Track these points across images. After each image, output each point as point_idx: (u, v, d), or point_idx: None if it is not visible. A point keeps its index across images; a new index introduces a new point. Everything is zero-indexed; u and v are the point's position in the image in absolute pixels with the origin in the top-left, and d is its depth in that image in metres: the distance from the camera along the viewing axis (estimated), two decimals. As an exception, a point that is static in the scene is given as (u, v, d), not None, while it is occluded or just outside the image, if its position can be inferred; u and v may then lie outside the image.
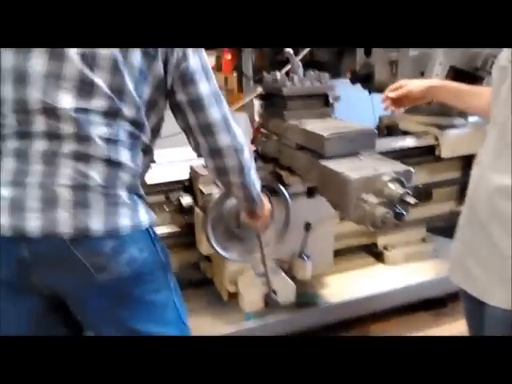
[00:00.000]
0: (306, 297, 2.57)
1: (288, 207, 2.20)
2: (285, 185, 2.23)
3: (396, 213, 1.73)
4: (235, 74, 4.02)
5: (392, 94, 1.80)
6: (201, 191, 2.17)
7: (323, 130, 1.96)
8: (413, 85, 1.76)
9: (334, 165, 1.83)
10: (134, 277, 1.33)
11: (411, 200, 1.66)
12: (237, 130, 1.42)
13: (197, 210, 2.26)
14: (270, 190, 2.19)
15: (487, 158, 1.46)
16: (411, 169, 1.78)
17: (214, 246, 2.11)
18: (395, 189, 1.69)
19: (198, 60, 1.34)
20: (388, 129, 3.01)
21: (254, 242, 2.23)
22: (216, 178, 1.57)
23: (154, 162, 1.52)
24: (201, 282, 2.56)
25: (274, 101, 2.26)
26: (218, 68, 6.07)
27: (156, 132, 1.45)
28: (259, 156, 2.41)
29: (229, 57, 4.30)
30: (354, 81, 2.97)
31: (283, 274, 2.34)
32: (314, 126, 2.04)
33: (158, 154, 1.50)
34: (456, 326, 2.51)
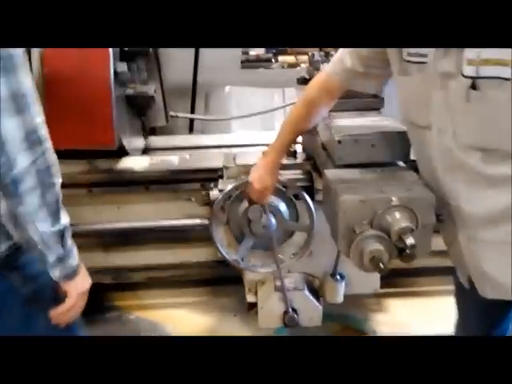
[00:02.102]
0: (350, 319, 2.19)
1: (312, 216, 1.84)
2: (313, 189, 1.86)
3: (401, 251, 1.29)
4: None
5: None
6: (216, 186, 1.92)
7: (343, 129, 1.55)
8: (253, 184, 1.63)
9: (336, 176, 1.43)
10: None
11: (409, 240, 1.21)
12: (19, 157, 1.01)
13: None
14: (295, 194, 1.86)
15: None
16: (430, 195, 1.29)
17: (220, 248, 1.88)
18: (394, 220, 1.25)
19: None
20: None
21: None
22: None
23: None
24: (234, 280, 2.33)
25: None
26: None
27: None
28: (303, 150, 2.05)
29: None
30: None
31: (307, 292, 1.99)
32: (342, 122, 1.63)
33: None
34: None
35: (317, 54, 1.81)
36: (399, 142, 1.49)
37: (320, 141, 1.73)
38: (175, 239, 2.26)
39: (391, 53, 1.28)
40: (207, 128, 3.16)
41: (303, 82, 1.87)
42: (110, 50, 1.79)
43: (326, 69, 1.49)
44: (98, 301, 2.36)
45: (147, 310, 2.40)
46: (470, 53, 1.05)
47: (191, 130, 3.10)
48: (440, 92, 1.15)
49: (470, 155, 1.14)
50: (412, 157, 1.47)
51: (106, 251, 2.23)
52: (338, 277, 1.97)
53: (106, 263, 2.24)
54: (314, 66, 1.77)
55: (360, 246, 1.27)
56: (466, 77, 1.07)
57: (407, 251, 1.26)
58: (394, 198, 1.28)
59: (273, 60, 4.14)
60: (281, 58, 4.26)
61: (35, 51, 1.85)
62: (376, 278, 2.08)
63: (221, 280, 2.37)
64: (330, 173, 1.45)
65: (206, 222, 2.13)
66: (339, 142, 1.49)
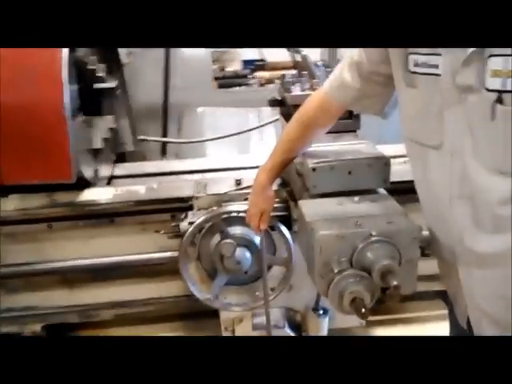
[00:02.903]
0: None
1: (290, 248, 1.71)
2: (290, 218, 1.73)
3: (384, 290, 1.16)
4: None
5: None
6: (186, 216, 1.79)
7: (317, 155, 1.43)
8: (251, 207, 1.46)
9: (311, 208, 1.30)
10: None
11: (393, 281, 1.09)
12: None
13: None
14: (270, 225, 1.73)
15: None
16: (413, 227, 1.17)
17: (191, 287, 1.73)
18: (375, 257, 1.13)
19: None
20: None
21: (252, 286, 1.81)
22: None
23: None
24: (209, 314, 2.17)
25: (287, 109, 1.76)
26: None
27: None
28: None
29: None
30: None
31: (288, 330, 1.85)
32: (317, 147, 1.51)
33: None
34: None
35: (288, 74, 1.69)
36: (378, 167, 1.38)
37: (295, 166, 1.61)
38: (144, 274, 2.11)
39: (394, 62, 1.15)
40: (181, 151, 3.04)
41: (275, 103, 1.75)
42: (64, 75, 1.64)
43: (323, 86, 1.34)
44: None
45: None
46: (495, 62, 0.92)
47: (164, 153, 2.98)
48: (456, 108, 1.01)
49: (488, 182, 0.99)
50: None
51: (71, 289, 2.08)
52: (321, 311, 1.84)
53: (70, 302, 2.08)
54: (285, 87, 1.65)
55: (339, 287, 1.14)
56: (490, 90, 0.94)
57: (391, 291, 1.14)
58: (373, 232, 1.17)
59: (249, 76, 4.09)
60: (258, 74, 4.20)
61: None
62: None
63: (195, 315, 2.21)
64: (305, 204, 1.33)
65: (176, 254, 2.00)
66: (313, 169, 1.37)
